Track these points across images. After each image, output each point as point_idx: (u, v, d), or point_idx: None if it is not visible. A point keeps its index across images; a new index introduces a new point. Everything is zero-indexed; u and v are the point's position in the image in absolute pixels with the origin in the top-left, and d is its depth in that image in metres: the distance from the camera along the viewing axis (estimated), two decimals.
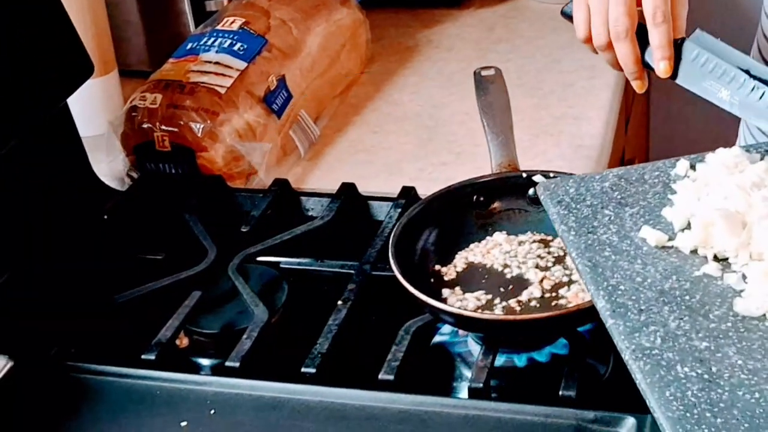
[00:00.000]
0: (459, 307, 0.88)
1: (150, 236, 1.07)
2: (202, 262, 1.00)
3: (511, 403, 0.80)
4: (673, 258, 0.76)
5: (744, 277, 0.73)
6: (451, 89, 1.38)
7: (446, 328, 0.93)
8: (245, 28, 1.24)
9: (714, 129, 2.12)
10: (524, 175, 0.99)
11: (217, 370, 0.90)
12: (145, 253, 1.04)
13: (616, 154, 1.50)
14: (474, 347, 0.91)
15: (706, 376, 0.65)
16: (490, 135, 1.02)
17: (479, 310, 0.89)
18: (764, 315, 0.70)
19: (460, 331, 0.92)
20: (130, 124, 1.16)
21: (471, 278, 0.93)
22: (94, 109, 1.29)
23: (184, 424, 0.81)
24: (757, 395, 0.64)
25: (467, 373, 0.89)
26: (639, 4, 0.89)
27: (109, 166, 1.18)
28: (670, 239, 0.78)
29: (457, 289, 0.92)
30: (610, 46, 0.91)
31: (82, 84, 1.07)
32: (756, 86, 0.86)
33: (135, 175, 1.17)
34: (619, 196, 0.82)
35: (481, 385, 0.82)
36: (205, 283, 0.97)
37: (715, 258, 0.76)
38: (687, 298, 0.72)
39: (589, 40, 0.93)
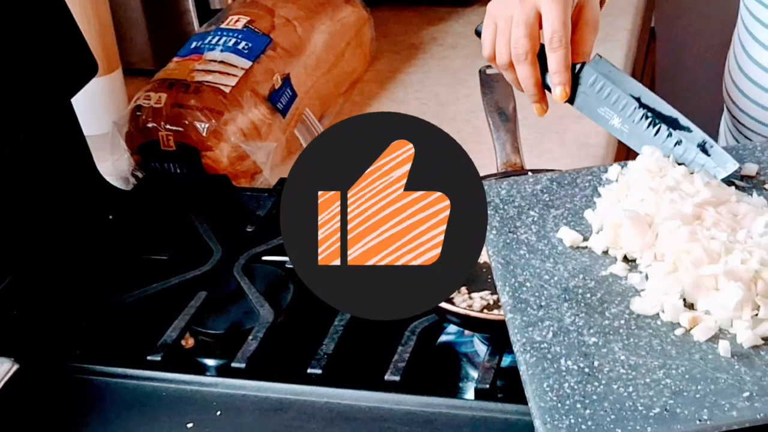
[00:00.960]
0: (465, 307, 0.88)
1: (155, 236, 1.07)
2: (207, 263, 0.99)
3: (518, 404, 0.80)
4: (584, 258, 0.79)
5: (647, 277, 0.76)
6: (455, 87, 1.37)
7: (452, 328, 0.93)
8: (250, 26, 1.24)
9: (717, 125, 2.12)
10: (530, 173, 0.99)
11: (223, 371, 0.89)
12: (150, 254, 1.04)
13: (621, 151, 1.50)
14: (480, 347, 0.91)
15: (586, 370, 0.68)
16: (496, 134, 1.02)
17: (485, 310, 0.88)
18: (657, 314, 0.72)
19: (466, 331, 0.92)
20: (135, 123, 1.16)
21: (477, 278, 0.93)
22: (98, 108, 1.29)
23: (190, 425, 0.81)
24: (630, 389, 0.66)
25: (473, 374, 0.89)
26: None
27: (114, 165, 1.18)
28: (585, 240, 0.80)
29: (463, 288, 0.92)
30: (511, 66, 0.92)
31: (86, 83, 1.06)
32: (645, 115, 0.87)
33: (140, 174, 1.17)
34: (547, 198, 0.85)
35: (488, 386, 0.82)
36: (210, 283, 0.97)
37: (625, 259, 0.78)
38: (588, 296, 0.75)
39: (493, 59, 0.95)
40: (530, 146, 1.19)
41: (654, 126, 0.86)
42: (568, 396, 0.66)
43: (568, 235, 0.80)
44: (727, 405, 0.65)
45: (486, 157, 1.04)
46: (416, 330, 0.88)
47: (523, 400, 0.80)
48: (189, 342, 0.94)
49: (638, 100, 0.87)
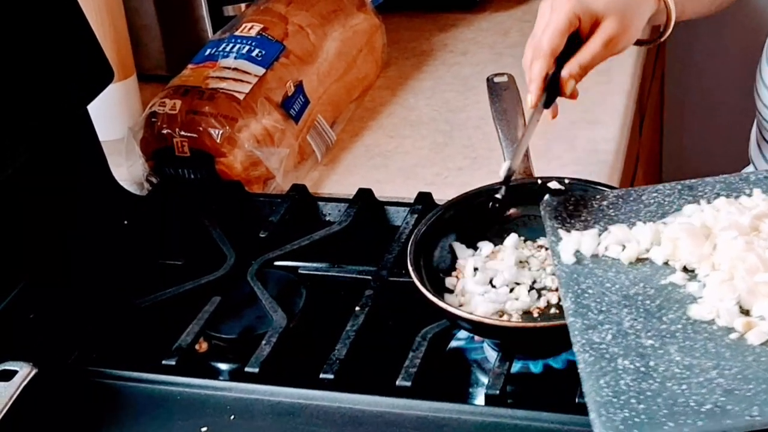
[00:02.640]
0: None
1: (170, 242, 1.08)
2: (221, 268, 1.01)
3: (528, 410, 0.81)
4: (645, 268, 0.83)
5: (704, 285, 0.79)
6: (466, 93, 1.38)
7: (462, 333, 0.94)
8: (263, 34, 1.25)
9: (726, 128, 2.13)
10: (539, 181, 1.00)
11: (237, 376, 0.91)
12: (164, 259, 1.06)
13: (631, 157, 1.51)
14: (490, 353, 0.92)
15: (642, 369, 0.72)
16: (505, 142, 1.03)
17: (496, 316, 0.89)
18: (713, 320, 0.76)
19: (476, 337, 0.93)
20: (150, 129, 1.17)
21: None
22: (113, 114, 1.30)
23: (204, 429, 0.82)
24: (684, 387, 0.70)
25: (483, 379, 0.90)
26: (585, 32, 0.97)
27: (129, 170, 1.19)
28: (646, 251, 0.84)
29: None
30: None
31: (102, 90, 1.08)
32: None
33: (154, 180, 1.18)
34: (612, 213, 0.89)
35: (498, 391, 0.83)
36: (224, 288, 0.99)
37: (685, 269, 0.82)
38: (648, 302, 0.79)
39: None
40: (539, 153, 1.19)
41: None
42: (623, 392, 0.70)
43: (624, 254, 0.84)
44: None
45: (497, 164, 1.04)
46: (427, 336, 0.90)
47: (532, 406, 0.82)
48: (203, 346, 0.96)
49: None
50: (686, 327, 0.76)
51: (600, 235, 0.86)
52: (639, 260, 0.84)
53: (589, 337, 0.75)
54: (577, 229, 0.87)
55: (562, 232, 0.86)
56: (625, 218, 0.88)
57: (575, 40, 0.98)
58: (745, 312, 0.76)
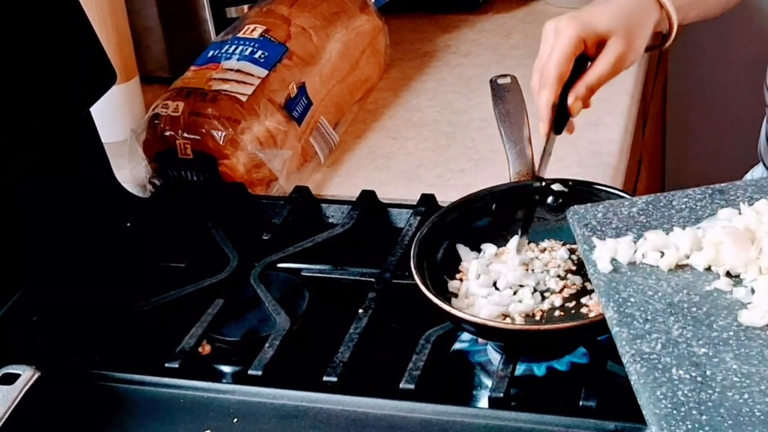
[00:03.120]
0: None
1: (173, 244, 1.08)
2: (224, 270, 1.01)
3: (532, 413, 0.81)
4: (687, 275, 0.80)
5: (753, 290, 0.77)
6: (468, 95, 1.38)
7: (465, 336, 0.94)
8: (266, 35, 1.25)
9: (729, 129, 2.13)
10: (543, 183, 1.00)
11: (240, 378, 0.91)
12: (167, 261, 1.06)
13: (634, 158, 1.51)
14: (494, 355, 0.92)
15: (699, 379, 0.69)
16: (508, 143, 1.03)
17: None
18: (766, 326, 0.74)
19: (480, 339, 0.93)
20: (153, 131, 1.17)
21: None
22: (115, 115, 1.30)
23: None
24: (746, 396, 0.67)
25: (487, 382, 0.90)
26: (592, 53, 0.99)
27: (132, 172, 1.19)
28: (687, 257, 0.81)
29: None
30: None
31: (105, 92, 1.08)
32: None
33: (157, 182, 1.18)
34: (644, 220, 0.86)
35: (502, 394, 0.83)
36: (227, 290, 0.98)
37: (728, 274, 0.79)
38: (694, 309, 0.76)
39: None
40: None
41: None
42: (682, 403, 0.68)
43: (664, 261, 0.81)
44: None
45: (500, 166, 1.05)
46: (431, 338, 0.89)
47: (536, 409, 0.82)
48: (206, 349, 0.96)
49: None
50: (738, 334, 0.73)
51: (636, 242, 0.83)
52: (678, 267, 0.81)
53: (639, 347, 0.72)
54: (610, 237, 0.84)
55: (595, 240, 0.84)
56: (658, 224, 0.85)
57: (582, 60, 0.99)
58: None
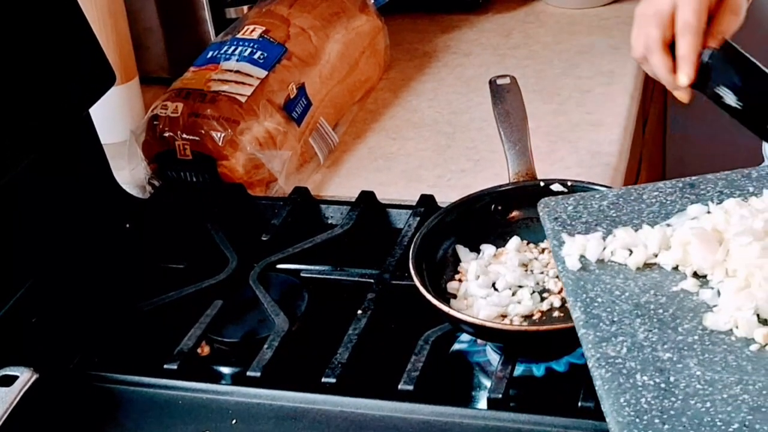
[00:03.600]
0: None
1: (172, 245, 1.08)
2: (223, 271, 1.01)
3: (531, 414, 0.81)
4: (654, 274, 0.79)
5: (719, 293, 0.76)
6: (469, 95, 1.38)
7: (465, 336, 0.94)
8: (265, 36, 1.25)
9: (729, 129, 2.12)
10: (542, 183, 1.00)
11: (239, 380, 0.91)
12: (166, 262, 1.06)
13: (634, 158, 1.50)
14: (493, 356, 0.92)
15: (662, 385, 0.69)
16: (507, 144, 1.03)
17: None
18: (731, 330, 0.73)
19: (479, 340, 0.93)
20: (152, 132, 1.17)
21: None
22: (115, 116, 1.30)
23: None
24: (708, 405, 0.67)
25: (486, 383, 0.90)
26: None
27: (131, 173, 1.19)
28: (655, 255, 0.81)
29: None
30: (646, 57, 0.95)
31: (104, 93, 1.08)
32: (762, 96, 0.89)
33: (156, 183, 1.18)
34: (614, 214, 0.85)
35: (501, 395, 0.83)
36: (226, 291, 0.98)
37: (695, 275, 0.79)
38: (660, 311, 0.75)
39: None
40: (543, 154, 1.20)
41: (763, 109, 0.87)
42: (645, 411, 0.67)
43: (632, 260, 0.81)
44: None
45: (500, 166, 1.05)
46: (429, 339, 0.89)
47: (534, 410, 0.82)
48: (205, 350, 0.96)
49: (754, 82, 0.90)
50: (703, 338, 0.73)
51: (605, 238, 0.83)
52: (647, 265, 0.80)
53: (604, 350, 0.72)
54: (579, 232, 0.84)
55: (564, 236, 0.83)
56: (628, 219, 0.84)
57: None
58: (764, 321, 0.73)
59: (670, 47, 0.93)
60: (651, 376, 0.69)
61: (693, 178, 0.88)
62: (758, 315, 0.74)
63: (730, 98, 0.89)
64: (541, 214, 0.87)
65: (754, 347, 0.72)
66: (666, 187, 0.87)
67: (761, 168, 0.89)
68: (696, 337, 0.73)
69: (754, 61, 0.90)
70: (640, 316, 0.75)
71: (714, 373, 0.69)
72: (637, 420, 0.66)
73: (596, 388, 0.70)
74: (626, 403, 0.68)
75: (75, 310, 0.97)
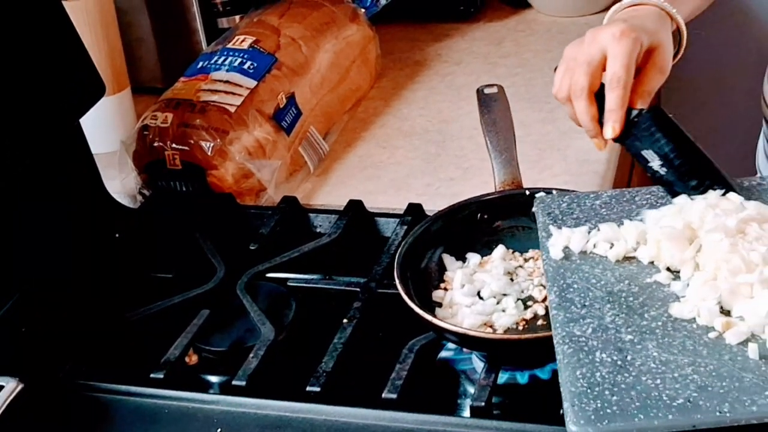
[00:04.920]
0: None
1: (160, 254, 1.09)
2: (210, 281, 1.01)
3: (513, 421, 0.81)
4: (632, 267, 0.84)
5: (688, 284, 0.80)
6: (459, 104, 1.39)
7: (451, 344, 0.94)
8: (255, 46, 1.26)
9: (724, 135, 2.13)
10: (527, 192, 1.00)
11: (225, 389, 0.91)
12: (155, 272, 1.06)
13: (624, 165, 1.51)
14: (478, 364, 0.92)
15: (619, 363, 0.73)
16: (494, 153, 1.03)
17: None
18: (694, 318, 0.77)
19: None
20: (142, 142, 1.18)
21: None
22: (107, 127, 1.31)
23: None
24: (658, 381, 0.71)
25: (472, 390, 0.90)
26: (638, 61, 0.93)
27: (122, 183, 1.20)
28: (633, 250, 0.85)
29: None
30: (569, 101, 0.96)
31: (93, 105, 1.08)
32: (683, 164, 0.90)
33: (147, 192, 1.19)
34: (605, 212, 0.89)
35: (483, 403, 0.84)
36: (213, 301, 0.99)
37: (668, 269, 0.82)
38: (631, 299, 0.80)
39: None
40: (531, 162, 1.20)
41: (689, 176, 0.89)
42: (598, 384, 0.71)
43: (612, 252, 0.85)
44: (749, 401, 0.68)
45: (489, 174, 1.05)
46: (414, 348, 0.90)
47: (518, 418, 0.82)
48: (193, 359, 0.96)
49: (683, 151, 0.90)
50: (666, 324, 0.77)
51: (590, 232, 0.87)
52: (626, 259, 0.84)
53: (570, 330, 0.76)
54: (568, 226, 0.87)
55: (552, 228, 0.87)
56: (617, 218, 0.88)
57: None
58: (726, 312, 0.77)
59: (596, 95, 0.94)
60: (610, 354, 0.73)
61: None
62: (721, 306, 0.77)
63: (655, 163, 0.91)
64: (535, 209, 0.91)
65: (712, 334, 0.75)
66: (659, 192, 0.91)
67: (752, 179, 0.91)
68: (660, 323, 0.77)
69: (683, 129, 0.91)
70: (611, 302, 0.79)
71: (670, 354, 0.73)
72: (588, 391, 0.70)
73: (557, 362, 0.74)
74: (581, 376, 0.72)
75: (64, 319, 0.98)
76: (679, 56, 1.07)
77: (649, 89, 0.95)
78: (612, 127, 0.92)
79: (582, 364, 0.73)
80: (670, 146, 0.90)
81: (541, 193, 0.99)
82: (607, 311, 0.78)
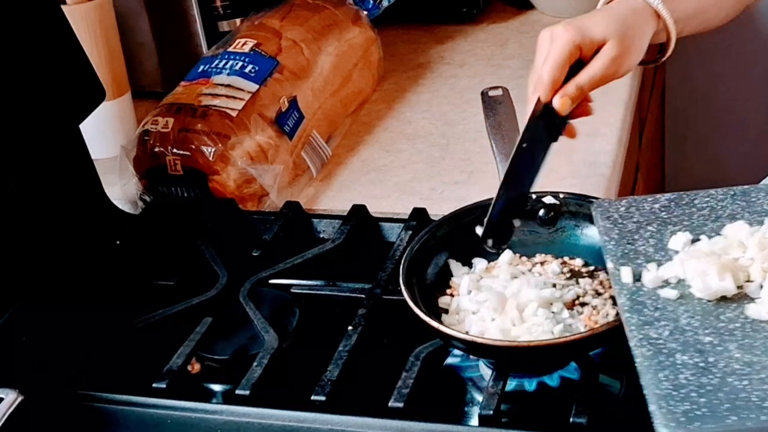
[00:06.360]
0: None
1: (162, 262, 1.07)
2: (213, 288, 1.00)
3: (522, 430, 0.80)
4: None
5: (761, 286, 0.80)
6: (463, 106, 1.37)
7: (458, 351, 0.93)
8: (257, 50, 1.24)
9: (730, 135, 2.12)
10: (533, 196, 0.99)
11: (228, 398, 0.90)
12: (157, 279, 1.05)
13: (630, 168, 1.50)
14: (485, 371, 0.91)
15: (701, 365, 0.72)
16: (499, 156, 1.02)
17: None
18: None
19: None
20: (143, 148, 1.16)
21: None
22: (107, 132, 1.30)
23: None
24: (745, 383, 0.70)
25: (479, 398, 0.89)
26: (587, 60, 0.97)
27: (123, 189, 1.19)
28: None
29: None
30: None
31: (93, 110, 1.07)
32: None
33: (148, 198, 1.18)
34: (665, 216, 0.90)
35: (492, 412, 0.82)
36: (216, 308, 0.98)
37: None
38: (704, 301, 0.79)
39: None
40: None
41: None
42: (683, 386, 0.70)
43: (681, 239, 0.85)
44: None
45: (494, 178, 1.03)
46: (420, 355, 0.89)
47: (526, 426, 0.81)
48: (195, 367, 0.95)
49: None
50: (744, 326, 0.76)
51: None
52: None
53: (646, 332, 0.76)
54: (630, 230, 0.88)
55: (614, 232, 0.86)
56: (678, 221, 0.88)
57: (579, 67, 0.98)
58: None
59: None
60: (691, 356, 0.73)
61: (745, 186, 0.92)
62: None
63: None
64: (594, 213, 0.91)
65: None
66: (718, 194, 0.91)
67: None
68: (738, 325, 0.76)
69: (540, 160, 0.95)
70: (684, 304, 0.78)
71: (753, 355, 0.73)
72: (675, 393, 0.70)
73: (636, 365, 0.73)
74: (665, 378, 0.71)
75: (64, 328, 0.97)
76: (667, 54, 1.06)
77: (579, 82, 0.96)
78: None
79: (663, 367, 0.72)
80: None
81: (549, 198, 0.98)
82: (682, 313, 0.77)
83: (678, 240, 0.86)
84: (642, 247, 0.86)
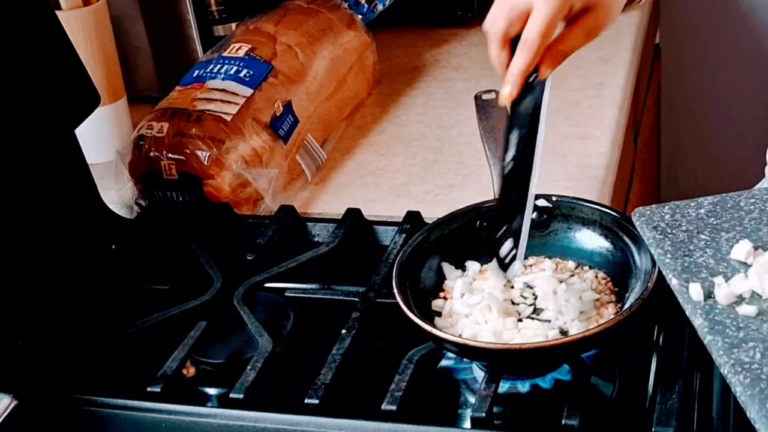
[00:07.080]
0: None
1: (157, 266, 1.08)
2: (207, 292, 1.00)
3: None
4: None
5: None
6: (458, 110, 1.38)
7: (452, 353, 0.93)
8: (251, 54, 1.25)
9: (727, 136, 2.12)
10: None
11: (223, 401, 0.90)
12: (152, 283, 1.05)
13: (625, 171, 1.50)
14: (479, 373, 0.91)
15: None
16: (492, 159, 1.02)
17: None
18: None
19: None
20: (138, 152, 1.17)
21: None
22: (103, 136, 1.30)
23: None
24: None
25: (472, 400, 0.89)
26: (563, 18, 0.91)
27: (118, 194, 1.19)
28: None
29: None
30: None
31: (88, 115, 1.08)
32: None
33: (143, 202, 1.18)
34: (714, 222, 0.85)
35: (484, 414, 0.82)
36: (211, 312, 0.98)
37: None
38: None
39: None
40: None
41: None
42: None
43: (743, 248, 0.81)
44: None
45: (488, 181, 1.04)
46: (413, 358, 0.89)
47: (519, 428, 0.81)
48: (190, 371, 0.95)
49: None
50: None
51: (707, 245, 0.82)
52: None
53: (737, 356, 0.71)
54: (681, 240, 0.83)
55: (667, 244, 0.82)
56: (730, 226, 0.84)
57: None
58: None
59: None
60: None
61: None
62: None
63: (510, 151, 0.90)
64: (637, 223, 0.87)
65: None
66: (762, 194, 0.87)
67: None
68: None
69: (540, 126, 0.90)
70: (766, 321, 0.74)
71: None
72: None
73: (737, 394, 0.69)
74: None
75: (59, 332, 0.97)
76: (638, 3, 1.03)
77: (564, 49, 0.92)
78: (509, 90, 0.91)
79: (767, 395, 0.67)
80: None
81: (542, 201, 0.99)
82: (767, 331, 0.73)
83: (741, 249, 0.81)
84: (701, 258, 0.82)
